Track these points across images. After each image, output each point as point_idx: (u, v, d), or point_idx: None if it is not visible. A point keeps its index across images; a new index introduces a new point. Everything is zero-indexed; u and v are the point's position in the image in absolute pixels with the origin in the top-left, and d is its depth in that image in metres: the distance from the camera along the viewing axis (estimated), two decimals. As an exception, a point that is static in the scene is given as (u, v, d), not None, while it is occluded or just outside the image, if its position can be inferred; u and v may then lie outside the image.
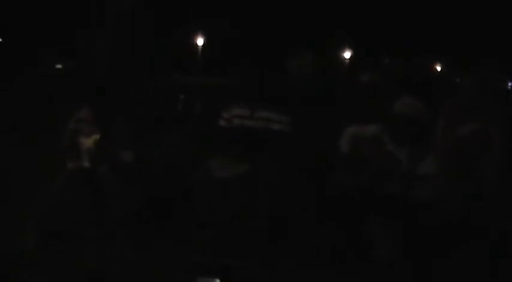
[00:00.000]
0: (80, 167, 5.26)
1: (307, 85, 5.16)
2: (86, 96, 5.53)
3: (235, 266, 4.26)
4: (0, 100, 11.61)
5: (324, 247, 5.03)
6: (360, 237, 4.87)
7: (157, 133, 6.56)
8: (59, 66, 19.34)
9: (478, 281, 4.75)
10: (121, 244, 5.06)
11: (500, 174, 5.15)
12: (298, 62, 5.07)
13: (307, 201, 5.33)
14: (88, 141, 5.24)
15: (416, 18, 22.46)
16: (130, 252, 4.94)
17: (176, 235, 5.23)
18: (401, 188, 4.67)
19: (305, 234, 5.17)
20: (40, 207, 5.15)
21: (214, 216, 4.57)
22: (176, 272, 4.55)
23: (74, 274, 4.53)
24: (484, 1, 20.79)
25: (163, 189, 5.69)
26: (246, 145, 4.65)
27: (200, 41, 26.82)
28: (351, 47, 27.19)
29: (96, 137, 5.25)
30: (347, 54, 27.37)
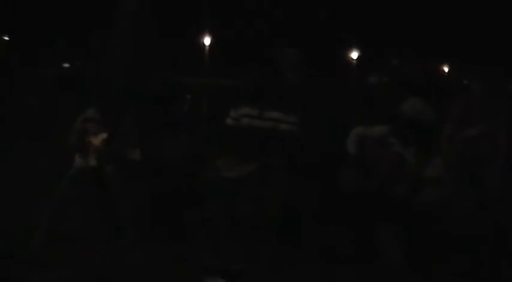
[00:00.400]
0: (88, 166, 5.27)
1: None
2: (93, 96, 5.55)
3: (242, 267, 4.27)
4: (8, 99, 11.65)
5: (332, 249, 5.02)
6: (367, 239, 4.86)
7: (164, 133, 6.55)
8: (66, 65, 19.41)
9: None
10: (128, 243, 5.07)
11: (508, 177, 5.12)
12: (284, 61, 5.02)
13: (315, 202, 5.33)
14: (96, 141, 5.25)
15: (425, 20, 22.41)
16: (138, 251, 4.94)
17: (183, 235, 5.24)
18: (408, 189, 4.66)
19: (312, 236, 5.16)
20: (48, 206, 5.16)
21: (222, 216, 4.57)
22: (183, 271, 4.55)
23: (80, 273, 4.53)
24: (494, 4, 20.73)
25: (171, 189, 5.68)
26: (254, 145, 4.64)
27: (207, 41, 26.82)
28: (359, 49, 27.16)
29: (104, 136, 5.26)
30: (355, 56, 27.33)
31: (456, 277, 4.60)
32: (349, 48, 27.10)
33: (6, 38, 22.59)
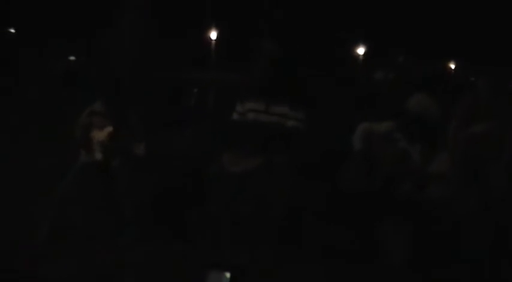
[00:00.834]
0: (93, 160, 5.27)
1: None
2: (99, 89, 5.54)
3: (246, 261, 4.26)
4: (13, 92, 11.66)
5: (335, 247, 5.01)
6: (370, 237, 4.85)
7: (170, 127, 6.56)
8: (72, 58, 19.39)
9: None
10: (132, 239, 5.07)
11: None
12: (263, 55, 4.99)
13: (320, 198, 5.32)
14: (101, 135, 5.25)
15: (432, 17, 22.35)
16: (141, 247, 4.94)
17: (187, 231, 5.23)
18: (413, 186, 4.65)
19: (315, 233, 5.15)
20: (53, 200, 5.16)
21: (227, 210, 4.57)
22: (186, 267, 4.55)
23: (85, 268, 4.54)
24: (501, 3, 20.65)
25: (176, 183, 5.68)
26: (259, 140, 4.64)
27: (214, 35, 26.77)
28: (365, 45, 27.11)
29: (109, 130, 5.25)
30: (361, 52, 27.28)
31: (459, 276, 4.59)
32: (356, 45, 27.05)
33: (12, 30, 22.59)
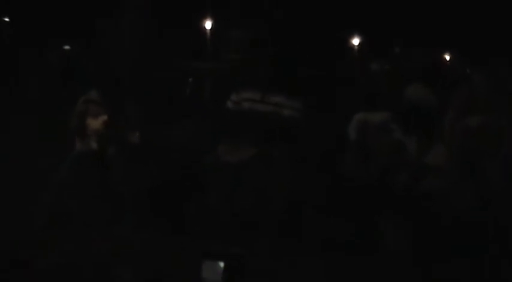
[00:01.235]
0: (88, 148, 5.26)
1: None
2: (94, 77, 5.53)
3: (241, 252, 4.26)
4: (9, 81, 11.63)
5: (333, 236, 5.01)
6: (369, 227, 4.85)
7: (166, 116, 6.54)
8: (67, 47, 19.31)
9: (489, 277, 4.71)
10: (131, 227, 5.07)
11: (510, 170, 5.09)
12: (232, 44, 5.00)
13: (316, 189, 5.32)
14: (96, 123, 5.24)
15: (429, 7, 22.32)
16: (140, 235, 4.94)
17: (186, 219, 5.23)
18: (408, 177, 4.65)
19: (313, 223, 5.15)
20: (50, 188, 5.16)
21: (224, 200, 4.57)
22: (185, 255, 4.55)
23: (81, 256, 4.54)
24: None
25: (172, 173, 5.68)
26: (255, 130, 4.63)
27: (208, 25, 26.68)
28: (361, 36, 27.08)
29: (104, 118, 5.24)
30: (357, 42, 27.23)
31: (456, 269, 4.60)
32: (351, 35, 27.02)
33: (7, 19, 22.50)
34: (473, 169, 4.94)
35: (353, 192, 4.89)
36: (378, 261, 4.64)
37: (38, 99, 10.32)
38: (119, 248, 4.70)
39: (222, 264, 3.61)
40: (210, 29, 26.53)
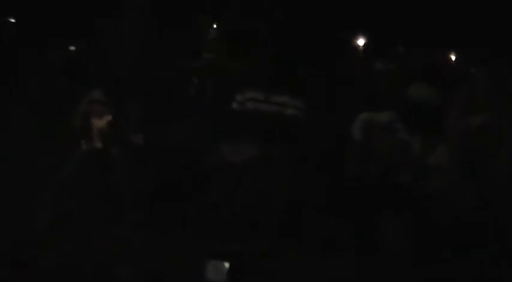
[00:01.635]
0: (92, 148, 5.27)
1: None
2: (98, 78, 5.54)
3: (245, 251, 4.26)
4: (13, 80, 11.62)
5: (334, 236, 5.01)
6: (370, 227, 4.85)
7: (169, 116, 6.54)
8: (67, 47, 19.31)
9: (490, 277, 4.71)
10: (132, 226, 5.07)
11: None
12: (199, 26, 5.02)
13: (319, 189, 5.32)
14: (100, 123, 5.25)
15: (433, 7, 22.29)
16: (141, 234, 4.94)
17: (187, 219, 5.24)
18: (411, 177, 4.64)
19: (314, 223, 5.15)
20: (52, 188, 5.17)
21: (225, 200, 4.57)
22: (186, 255, 4.55)
23: (84, 256, 4.54)
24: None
25: (176, 173, 5.68)
26: (259, 129, 4.63)
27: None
28: (365, 36, 27.04)
29: (108, 118, 5.25)
30: (361, 42, 27.20)
31: (456, 269, 4.60)
32: (354, 35, 26.98)
33: (7, 19, 22.50)
34: (473, 169, 4.94)
35: (355, 192, 4.88)
36: (378, 261, 4.65)
37: (38, 99, 10.31)
38: (119, 248, 4.71)
39: (227, 264, 3.61)
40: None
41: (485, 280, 4.56)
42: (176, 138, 6.14)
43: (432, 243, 4.60)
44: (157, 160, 5.73)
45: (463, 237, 4.65)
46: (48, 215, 5.06)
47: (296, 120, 4.72)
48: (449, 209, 4.65)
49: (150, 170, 5.63)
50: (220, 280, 3.75)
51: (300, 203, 5.09)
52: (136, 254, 4.65)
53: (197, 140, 6.06)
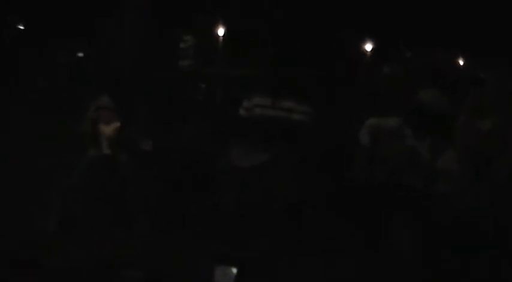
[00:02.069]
0: (100, 154, 5.28)
1: None
2: (106, 84, 5.55)
3: (252, 256, 4.26)
4: (22, 87, 11.67)
5: (342, 239, 5.01)
6: (378, 231, 4.84)
7: (178, 122, 6.56)
8: (80, 54, 19.40)
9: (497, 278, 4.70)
10: (140, 231, 5.08)
11: None
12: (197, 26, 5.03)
13: (326, 193, 5.32)
14: (108, 129, 5.25)
15: (442, 11, 22.26)
16: (149, 239, 4.95)
17: (195, 223, 5.24)
18: (420, 183, 4.63)
19: (322, 226, 5.15)
20: (61, 193, 5.18)
21: (233, 205, 4.57)
22: (195, 260, 4.55)
23: (93, 259, 4.55)
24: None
25: (183, 178, 5.70)
26: (266, 135, 4.63)
27: (221, 31, 26.76)
28: (373, 40, 27.05)
29: (116, 124, 5.26)
30: (369, 47, 27.19)
31: (463, 272, 4.58)
32: (363, 40, 26.99)
33: (21, 27, 22.63)
34: (482, 173, 4.93)
35: (363, 195, 4.88)
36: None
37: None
38: (124, 250, 4.72)
39: (234, 270, 3.61)
40: (223, 36, 26.58)
41: (486, 281, 4.56)
42: (183, 143, 6.16)
43: (440, 246, 4.58)
44: (166, 165, 5.75)
45: (471, 241, 4.64)
46: (58, 220, 5.08)
47: (303, 125, 4.71)
48: (458, 213, 4.64)
49: (159, 175, 5.65)
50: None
51: (306, 205, 5.09)
52: (141, 256, 4.66)
53: (204, 145, 6.07)
